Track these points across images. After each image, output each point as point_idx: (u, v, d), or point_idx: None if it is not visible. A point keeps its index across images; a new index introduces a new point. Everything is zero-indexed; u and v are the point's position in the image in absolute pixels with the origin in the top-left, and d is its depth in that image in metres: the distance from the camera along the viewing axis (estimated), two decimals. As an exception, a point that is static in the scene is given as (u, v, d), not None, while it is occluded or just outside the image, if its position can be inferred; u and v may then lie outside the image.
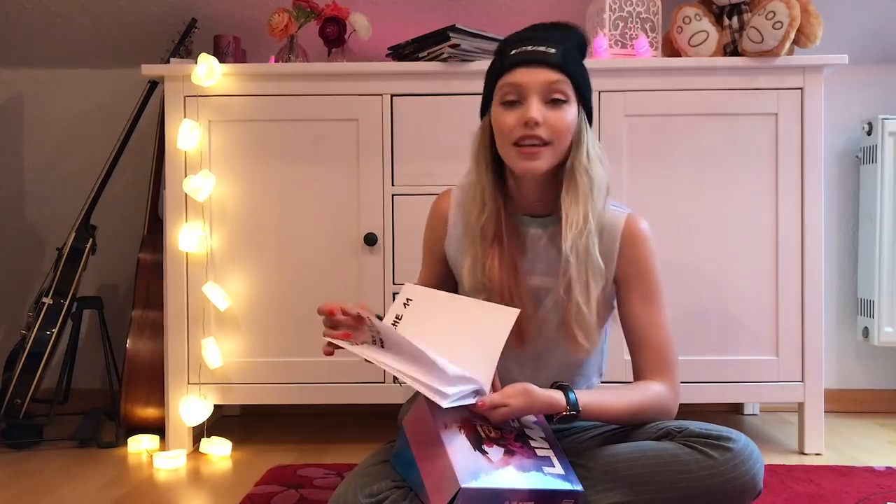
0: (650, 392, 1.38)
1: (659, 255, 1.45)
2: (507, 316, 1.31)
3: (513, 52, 1.37)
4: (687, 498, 1.25)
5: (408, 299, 1.39)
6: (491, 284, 1.40)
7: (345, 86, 2.10)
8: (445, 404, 1.17)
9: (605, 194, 1.40)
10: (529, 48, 1.36)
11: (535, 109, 1.33)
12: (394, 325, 1.36)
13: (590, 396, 1.32)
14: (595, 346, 1.42)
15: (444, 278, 1.53)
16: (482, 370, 1.27)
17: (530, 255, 1.44)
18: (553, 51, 1.35)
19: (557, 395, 1.28)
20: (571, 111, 1.36)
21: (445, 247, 1.51)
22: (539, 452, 1.27)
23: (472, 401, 1.23)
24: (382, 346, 1.28)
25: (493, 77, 1.41)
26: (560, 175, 1.39)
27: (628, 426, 1.39)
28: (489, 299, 1.38)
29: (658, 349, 1.41)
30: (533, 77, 1.34)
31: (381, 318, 1.32)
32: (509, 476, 1.20)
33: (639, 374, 1.42)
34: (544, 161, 1.35)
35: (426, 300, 1.38)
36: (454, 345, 1.29)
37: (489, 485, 1.17)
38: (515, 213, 1.45)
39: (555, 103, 1.35)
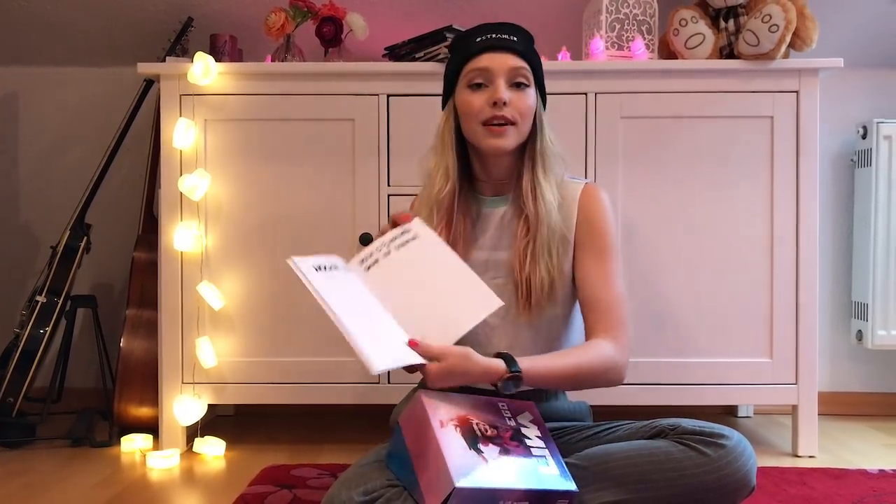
0: (597, 350, 1.39)
1: (615, 219, 1.53)
2: (488, 302, 1.33)
3: (478, 39, 1.47)
4: (681, 495, 1.25)
5: (413, 237, 1.40)
6: None
7: (341, 86, 2.09)
8: (374, 371, 1.21)
9: (564, 168, 1.51)
10: (495, 36, 1.45)
11: (503, 90, 1.43)
12: (387, 253, 1.39)
13: (532, 361, 1.32)
14: (561, 314, 1.47)
15: None
16: (435, 341, 1.28)
17: (481, 229, 1.50)
18: (515, 39, 1.46)
19: (497, 361, 1.29)
20: (532, 94, 1.47)
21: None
22: (534, 451, 1.27)
23: (413, 359, 1.25)
24: (367, 270, 1.38)
25: (457, 64, 1.49)
26: (520, 155, 1.48)
27: (578, 388, 1.41)
28: None
29: (607, 307, 1.43)
30: (500, 62, 1.44)
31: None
32: (504, 476, 1.20)
33: (589, 334, 1.44)
34: (510, 139, 1.45)
35: (427, 245, 1.39)
36: (424, 306, 1.33)
37: (484, 485, 1.17)
38: (475, 193, 1.54)
39: (518, 87, 1.45)
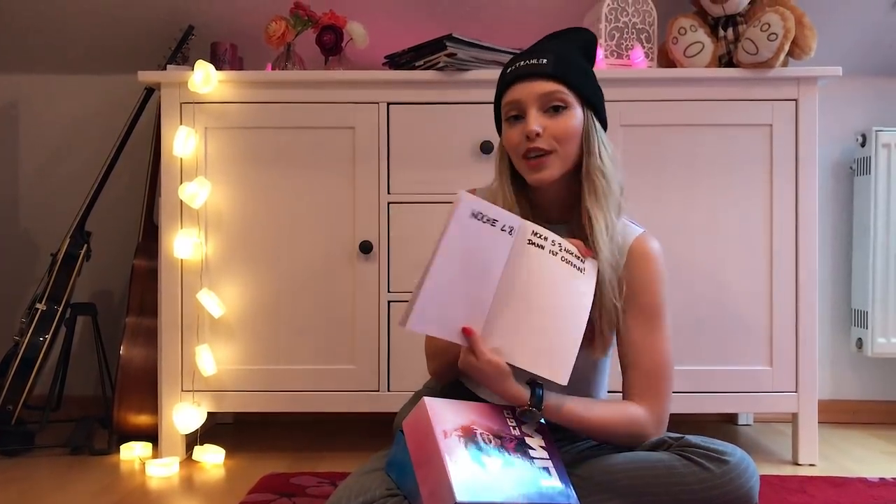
0: (626, 412, 1.35)
1: (667, 274, 1.43)
2: (557, 372, 1.29)
3: (508, 70, 1.41)
4: (683, 510, 1.24)
5: (580, 267, 1.35)
6: None
7: (341, 94, 2.10)
8: (404, 325, 1.24)
9: (618, 196, 1.40)
10: (522, 63, 1.39)
11: (534, 121, 1.36)
12: (554, 252, 1.33)
13: (559, 400, 1.31)
14: (607, 351, 1.42)
15: None
16: (494, 342, 1.29)
17: None
18: (545, 61, 1.37)
19: (524, 390, 1.29)
20: (574, 115, 1.38)
21: None
22: (537, 463, 1.26)
23: (453, 337, 1.28)
24: (510, 233, 1.31)
25: (497, 99, 1.44)
26: (575, 181, 1.41)
27: (600, 441, 1.37)
28: None
29: (648, 373, 1.38)
30: (528, 90, 1.37)
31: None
32: (506, 489, 1.19)
33: (625, 394, 1.40)
34: (552, 170, 1.37)
35: (580, 282, 1.34)
36: (522, 313, 1.31)
37: (485, 499, 1.17)
38: (537, 221, 1.44)
39: (555, 110, 1.37)
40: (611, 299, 1.36)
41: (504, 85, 1.42)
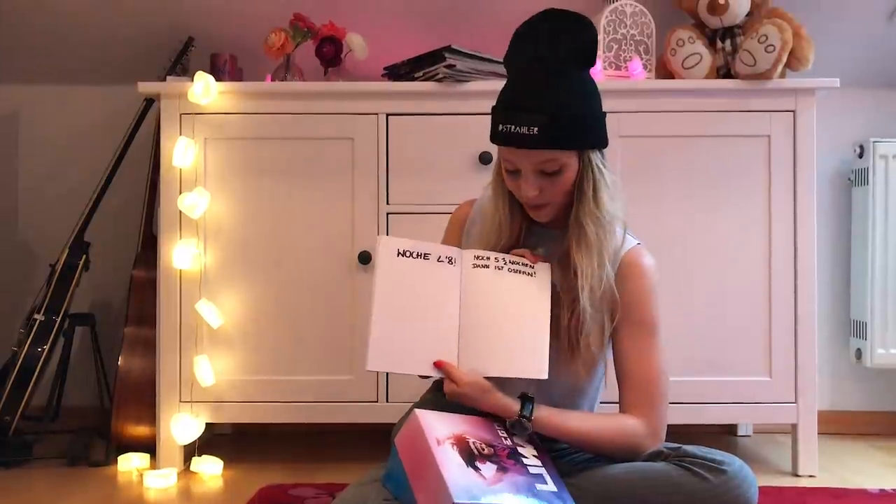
0: (621, 424, 1.36)
1: (660, 291, 1.43)
2: (536, 368, 1.33)
3: (500, 128, 1.34)
4: (680, 519, 1.24)
5: (530, 273, 1.39)
6: None
7: (340, 105, 2.11)
8: (367, 366, 1.28)
9: (613, 231, 1.39)
10: (512, 129, 1.32)
11: (531, 187, 1.35)
12: (499, 267, 1.39)
13: (550, 412, 1.32)
14: (592, 372, 1.42)
15: None
16: (470, 362, 1.32)
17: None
18: (536, 130, 1.30)
19: (512, 402, 1.31)
20: (568, 172, 1.36)
21: (463, 242, 1.53)
22: (532, 470, 1.26)
23: (421, 371, 1.31)
24: (450, 263, 1.38)
25: (493, 125, 1.37)
26: (569, 204, 1.40)
27: (595, 454, 1.37)
28: None
29: (641, 385, 1.38)
30: (521, 159, 1.35)
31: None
32: (503, 493, 1.19)
33: (621, 409, 1.40)
34: (548, 214, 1.41)
35: (535, 287, 1.38)
36: (488, 328, 1.35)
37: (483, 502, 1.17)
38: (535, 230, 1.46)
39: (550, 174, 1.35)
40: (592, 338, 1.37)
41: (495, 136, 1.36)
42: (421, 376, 1.35)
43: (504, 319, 1.35)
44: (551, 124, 1.31)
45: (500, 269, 1.38)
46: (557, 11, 1.38)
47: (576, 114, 1.34)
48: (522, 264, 1.39)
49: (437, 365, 1.31)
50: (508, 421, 1.31)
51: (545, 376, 1.32)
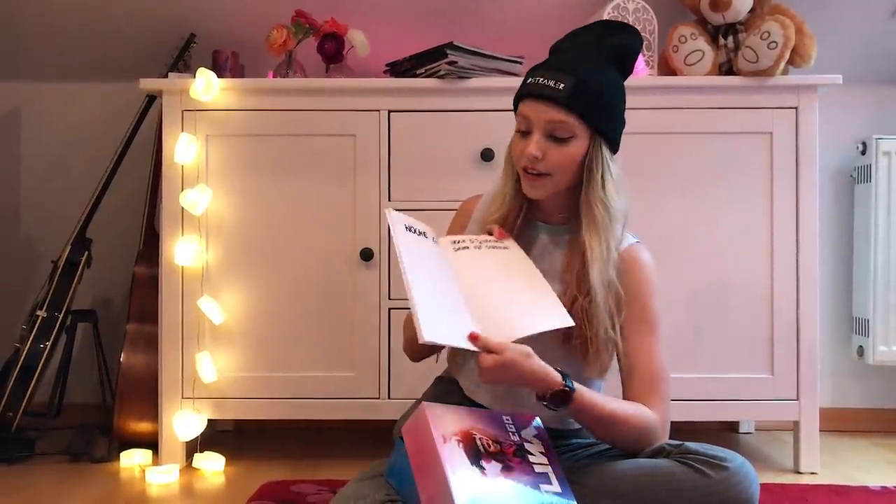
0: (643, 412, 1.35)
1: (659, 286, 1.44)
2: (561, 318, 1.32)
3: (528, 80, 1.39)
4: (683, 516, 1.24)
5: (505, 247, 1.42)
6: None
7: (342, 101, 2.10)
8: (422, 339, 1.20)
9: (621, 223, 1.41)
10: (540, 80, 1.36)
11: (535, 145, 1.36)
12: (478, 246, 1.42)
13: (583, 388, 1.30)
14: (606, 370, 1.41)
15: None
16: (497, 337, 1.27)
17: (535, 257, 1.44)
18: (562, 86, 1.34)
19: (555, 372, 1.27)
20: (576, 146, 1.37)
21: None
22: (537, 469, 1.26)
23: (465, 344, 1.25)
24: (435, 242, 1.41)
25: (516, 99, 1.43)
26: (575, 193, 1.41)
27: (608, 441, 1.37)
28: None
29: (649, 378, 1.38)
30: (537, 112, 1.36)
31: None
32: (506, 495, 1.19)
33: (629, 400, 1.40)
34: (542, 191, 1.40)
35: (517, 257, 1.41)
36: (497, 301, 1.33)
37: None
38: (534, 219, 1.48)
39: (558, 140, 1.36)
40: (605, 322, 1.36)
41: (521, 93, 1.41)
42: (458, 350, 1.31)
43: (505, 289, 1.35)
44: (577, 88, 1.34)
45: (478, 248, 1.41)
46: (613, 21, 1.51)
47: (601, 92, 1.37)
48: (495, 241, 1.43)
49: (472, 337, 1.25)
50: (550, 392, 1.27)
51: (572, 322, 1.31)
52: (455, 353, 1.51)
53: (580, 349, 1.38)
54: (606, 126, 1.38)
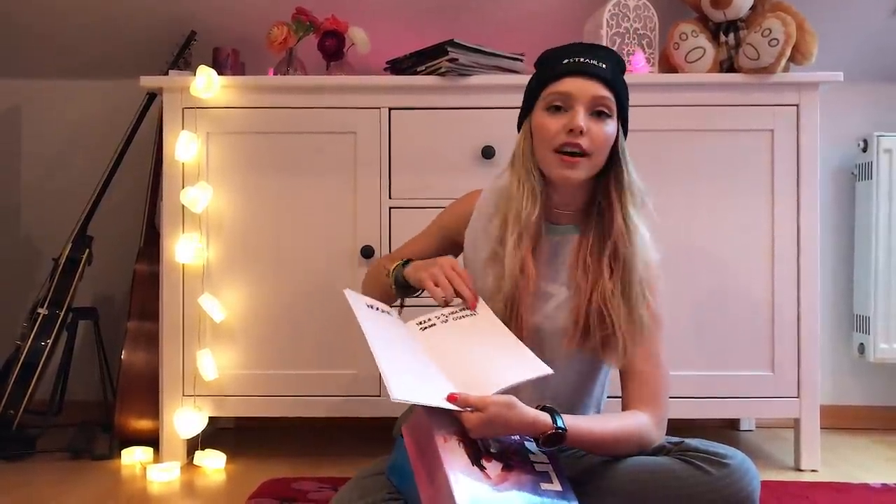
0: (636, 421, 1.34)
1: (665, 287, 1.44)
2: (537, 368, 1.29)
3: (565, 61, 1.38)
4: (683, 513, 1.24)
5: (472, 314, 1.39)
6: (521, 281, 1.38)
7: (343, 99, 2.10)
8: (393, 397, 1.17)
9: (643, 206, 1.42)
10: (583, 59, 1.37)
11: (581, 118, 1.34)
12: (444, 321, 1.40)
13: (574, 420, 1.27)
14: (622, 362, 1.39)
15: (437, 254, 1.51)
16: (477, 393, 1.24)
17: (549, 259, 1.43)
18: (604, 66, 1.37)
19: (542, 415, 1.24)
20: (612, 126, 1.38)
21: (466, 233, 1.51)
22: (538, 468, 1.26)
23: (443, 404, 1.21)
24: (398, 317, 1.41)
25: (538, 85, 1.41)
26: (589, 185, 1.41)
27: (610, 457, 1.35)
28: (511, 295, 1.38)
29: (647, 380, 1.37)
30: (583, 88, 1.36)
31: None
32: (506, 495, 1.19)
33: (626, 404, 1.40)
34: (582, 171, 1.37)
35: (485, 320, 1.38)
36: (471, 362, 1.31)
37: (487, 503, 1.17)
38: (548, 222, 1.45)
39: (599, 116, 1.36)
40: (639, 309, 1.36)
41: (555, 73, 1.38)
42: (434, 409, 1.25)
43: (478, 351, 1.33)
44: (616, 69, 1.39)
45: (445, 322, 1.39)
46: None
47: (625, 83, 1.42)
48: (461, 309, 1.39)
49: (451, 398, 1.21)
50: (542, 437, 1.23)
51: (550, 370, 1.28)
52: None
53: (601, 342, 1.36)
54: (626, 114, 1.42)
